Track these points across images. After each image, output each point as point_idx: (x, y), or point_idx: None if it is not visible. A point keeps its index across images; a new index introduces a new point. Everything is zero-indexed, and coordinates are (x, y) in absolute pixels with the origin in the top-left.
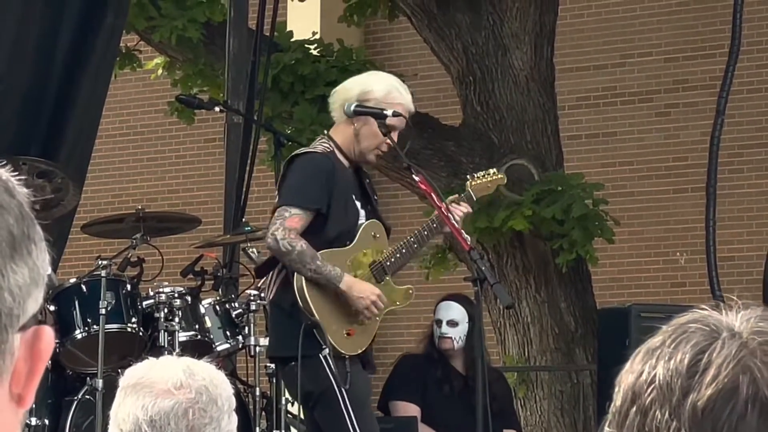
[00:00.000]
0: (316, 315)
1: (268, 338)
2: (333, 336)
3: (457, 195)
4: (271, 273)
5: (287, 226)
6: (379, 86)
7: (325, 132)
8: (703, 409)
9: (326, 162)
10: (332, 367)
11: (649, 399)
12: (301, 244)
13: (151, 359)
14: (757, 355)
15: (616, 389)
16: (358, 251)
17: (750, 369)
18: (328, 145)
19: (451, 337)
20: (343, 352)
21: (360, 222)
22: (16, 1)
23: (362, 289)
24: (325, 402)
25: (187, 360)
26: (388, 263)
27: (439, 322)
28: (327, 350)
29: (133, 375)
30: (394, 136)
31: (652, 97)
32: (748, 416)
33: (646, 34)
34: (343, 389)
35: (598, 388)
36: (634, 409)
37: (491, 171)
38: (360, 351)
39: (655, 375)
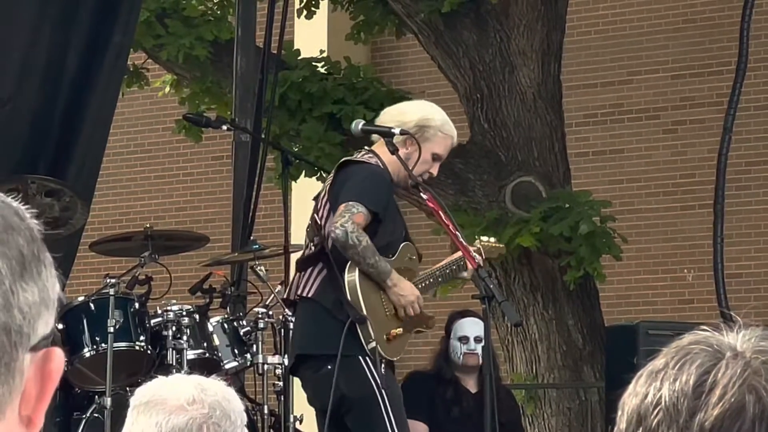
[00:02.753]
0: (364, 311)
1: (297, 336)
2: (376, 337)
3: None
4: (309, 270)
5: (356, 221)
6: (437, 116)
7: (366, 147)
8: (710, 429)
9: (386, 174)
10: (373, 369)
11: (655, 421)
12: (367, 240)
13: (161, 377)
14: (762, 374)
15: (619, 413)
16: (395, 266)
17: (755, 388)
18: (379, 162)
19: (477, 354)
20: (383, 354)
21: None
22: (26, 21)
23: (405, 288)
24: (365, 407)
25: (198, 377)
26: (418, 288)
27: (464, 339)
28: (373, 344)
29: (144, 393)
30: (438, 165)
31: (660, 114)
32: None
33: (653, 51)
34: (385, 394)
35: (606, 406)
36: (640, 431)
37: (492, 239)
38: (396, 358)
39: (660, 397)
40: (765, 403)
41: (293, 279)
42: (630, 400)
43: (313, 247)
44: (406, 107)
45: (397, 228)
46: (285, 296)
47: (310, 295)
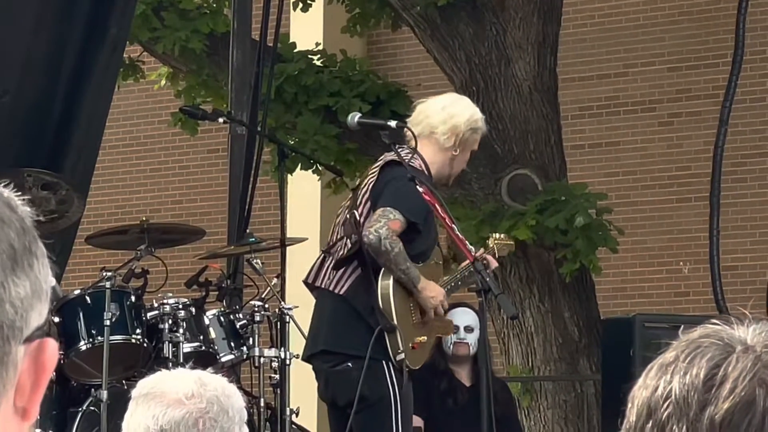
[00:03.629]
0: (395, 320)
1: (322, 330)
2: (403, 347)
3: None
4: (343, 269)
5: (391, 227)
6: (478, 114)
7: (407, 146)
8: (720, 422)
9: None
10: (395, 376)
11: (665, 414)
12: (400, 246)
13: (164, 371)
14: None
15: (629, 405)
16: (421, 271)
17: (766, 382)
18: (420, 163)
19: (468, 343)
20: (408, 364)
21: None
22: (27, 19)
23: (433, 289)
24: (378, 411)
25: (199, 372)
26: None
27: (455, 328)
28: (401, 356)
29: (145, 385)
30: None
31: (656, 106)
32: (766, 428)
33: (649, 44)
34: (401, 404)
35: (602, 398)
36: (650, 424)
37: (502, 235)
38: (418, 366)
39: (671, 390)
40: None
41: (321, 266)
42: (640, 392)
43: (350, 245)
44: (453, 107)
45: (432, 234)
46: (305, 279)
47: (342, 293)
